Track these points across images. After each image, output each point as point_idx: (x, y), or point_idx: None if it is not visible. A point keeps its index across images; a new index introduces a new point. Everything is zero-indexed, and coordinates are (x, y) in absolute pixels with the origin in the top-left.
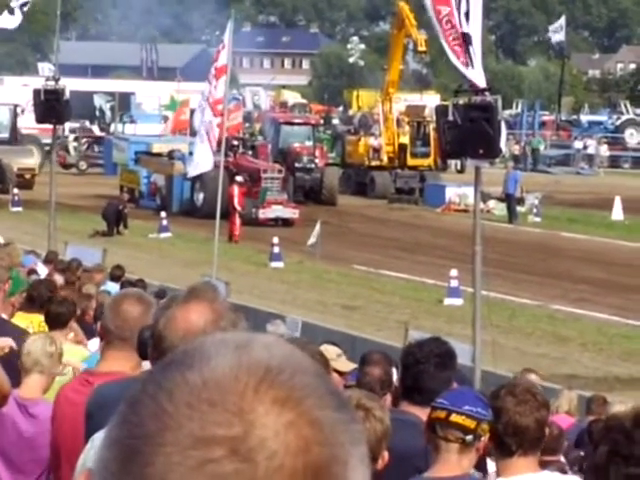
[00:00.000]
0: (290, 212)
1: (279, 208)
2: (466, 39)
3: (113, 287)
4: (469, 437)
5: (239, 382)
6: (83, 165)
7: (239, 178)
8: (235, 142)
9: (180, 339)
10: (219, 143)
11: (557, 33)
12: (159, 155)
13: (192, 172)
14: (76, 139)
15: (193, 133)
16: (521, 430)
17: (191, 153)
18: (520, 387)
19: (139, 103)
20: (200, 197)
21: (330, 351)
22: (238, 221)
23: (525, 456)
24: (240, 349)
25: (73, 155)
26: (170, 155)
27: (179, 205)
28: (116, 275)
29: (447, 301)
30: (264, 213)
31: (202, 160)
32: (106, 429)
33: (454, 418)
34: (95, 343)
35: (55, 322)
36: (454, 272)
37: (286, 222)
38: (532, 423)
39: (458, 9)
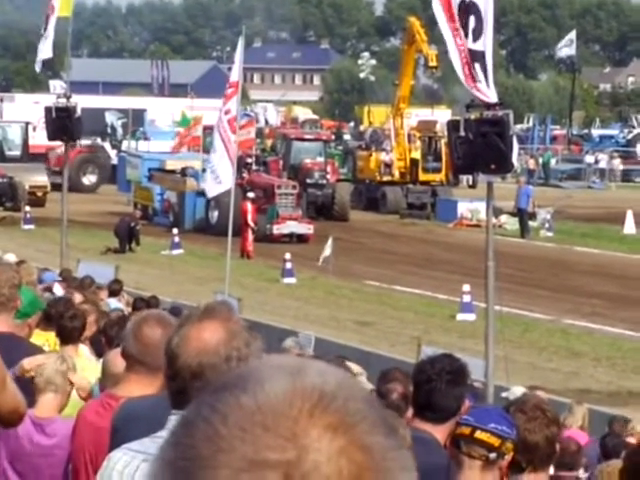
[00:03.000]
0: (305, 228)
1: (293, 224)
2: (472, 56)
3: (113, 302)
4: (493, 455)
5: (293, 407)
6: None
7: (251, 194)
8: (249, 159)
9: (193, 358)
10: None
11: (566, 48)
12: (172, 172)
13: (213, 191)
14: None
15: (206, 150)
16: (531, 447)
17: (204, 170)
18: (530, 404)
19: (152, 120)
20: (215, 215)
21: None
22: (251, 237)
23: (535, 472)
24: (294, 374)
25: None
26: (183, 172)
27: (192, 222)
28: (115, 290)
29: (460, 316)
30: (278, 229)
31: (224, 178)
32: (158, 450)
33: (479, 435)
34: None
35: (67, 337)
36: (467, 287)
37: (301, 238)
38: (542, 440)
39: (465, 27)
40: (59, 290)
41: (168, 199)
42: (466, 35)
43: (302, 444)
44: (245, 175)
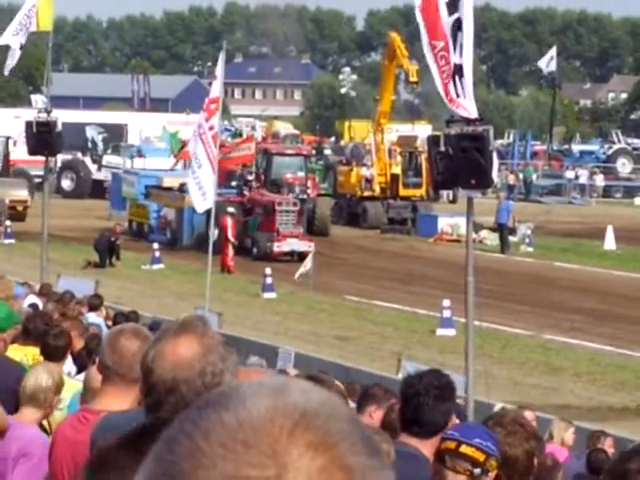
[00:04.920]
0: (306, 245)
1: (294, 241)
2: (458, 71)
3: (92, 317)
4: (477, 470)
5: (274, 425)
6: None
7: (231, 209)
8: (249, 177)
9: (168, 372)
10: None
11: (548, 65)
12: (169, 189)
13: (202, 207)
14: None
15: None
16: (510, 461)
17: (183, 185)
18: (508, 417)
19: (147, 137)
20: (215, 233)
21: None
22: (231, 252)
23: None
24: (277, 392)
25: None
26: (181, 188)
27: (190, 239)
28: (94, 304)
29: (440, 332)
30: (279, 247)
31: (208, 193)
32: (143, 465)
33: (464, 449)
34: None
35: (52, 355)
36: (447, 302)
37: (301, 256)
38: (521, 454)
39: (454, 43)
40: (37, 302)
41: (165, 216)
42: (454, 50)
43: (282, 462)
44: (246, 192)
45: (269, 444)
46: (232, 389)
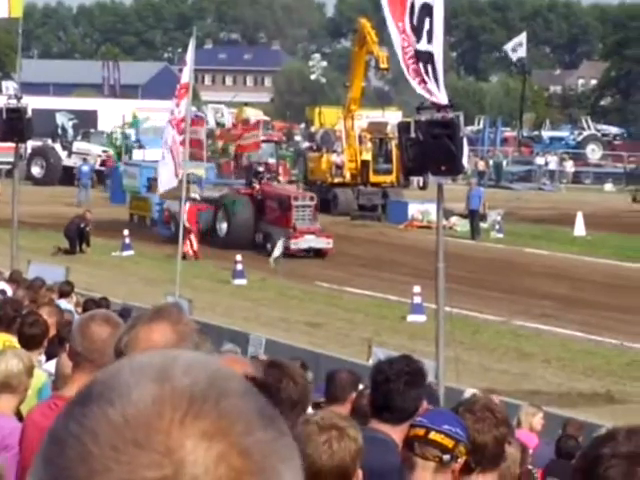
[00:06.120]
0: (324, 242)
1: (312, 238)
2: (423, 56)
3: (63, 304)
4: (446, 456)
5: (163, 418)
6: None
7: (193, 194)
8: (260, 168)
9: None
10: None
11: (516, 50)
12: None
13: (162, 188)
14: None
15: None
16: (480, 447)
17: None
18: (479, 404)
19: (147, 128)
20: (223, 227)
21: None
22: (193, 238)
23: (484, 473)
24: (160, 377)
25: None
26: (187, 180)
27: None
28: (65, 291)
29: (410, 318)
30: (296, 244)
31: (167, 177)
32: (33, 467)
33: (433, 436)
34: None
35: (29, 343)
36: (417, 289)
37: (319, 253)
38: (490, 440)
39: (415, 26)
40: (7, 289)
41: (167, 209)
42: (420, 37)
43: (178, 458)
44: (255, 185)
45: (161, 441)
46: (114, 376)
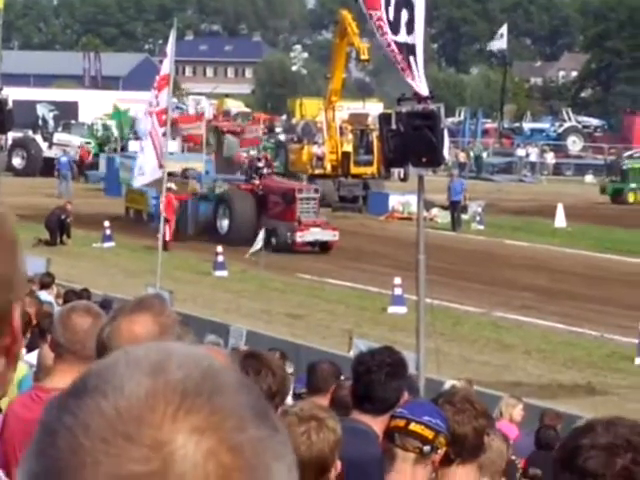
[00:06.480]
0: (330, 235)
1: (317, 231)
2: (403, 48)
3: (43, 295)
4: (427, 448)
5: (155, 412)
6: None
7: (170, 184)
8: (260, 164)
9: None
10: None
11: (497, 41)
12: (171, 174)
13: (139, 182)
14: None
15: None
16: (459, 439)
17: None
18: (458, 396)
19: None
20: (224, 224)
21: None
22: (167, 229)
23: (464, 465)
24: (154, 371)
25: None
26: (184, 174)
27: (194, 227)
28: (46, 282)
29: (391, 309)
30: (302, 237)
31: (147, 170)
32: (24, 458)
33: (413, 427)
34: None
35: None
36: (398, 280)
37: (324, 246)
38: (470, 432)
39: (391, 19)
40: None
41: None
42: (398, 29)
43: (167, 452)
44: (256, 180)
45: (151, 435)
46: (109, 369)
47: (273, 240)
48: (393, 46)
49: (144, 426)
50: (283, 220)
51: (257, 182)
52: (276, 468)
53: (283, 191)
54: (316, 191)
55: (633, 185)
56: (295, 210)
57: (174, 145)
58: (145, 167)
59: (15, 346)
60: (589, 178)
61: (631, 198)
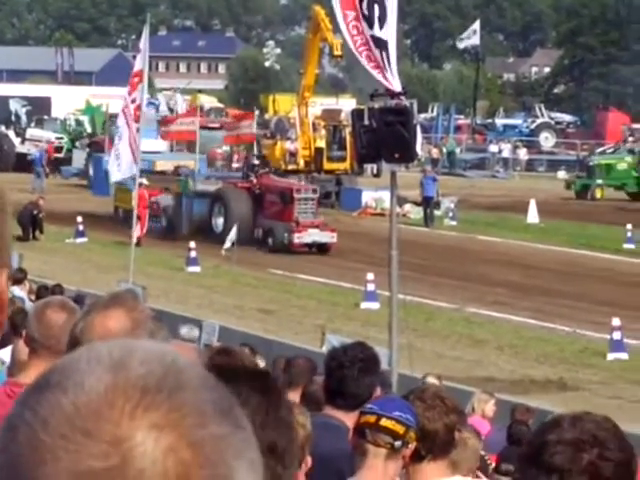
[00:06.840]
0: (328, 236)
1: (315, 232)
2: (377, 43)
3: (16, 291)
4: (398, 443)
5: (114, 408)
6: None
7: (142, 179)
8: (256, 161)
9: None
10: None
11: (468, 39)
12: (163, 173)
13: (114, 177)
14: None
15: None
16: (430, 435)
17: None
18: (429, 392)
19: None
20: (219, 222)
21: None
22: (141, 223)
23: (435, 461)
24: (116, 366)
25: None
26: (176, 172)
27: (188, 226)
28: (18, 278)
29: (364, 305)
30: (299, 238)
31: (124, 166)
32: None
33: (384, 422)
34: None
35: None
36: (370, 276)
37: (322, 247)
38: (441, 428)
39: (366, 14)
40: None
41: (157, 202)
42: (372, 24)
43: (126, 448)
44: (252, 178)
45: (110, 431)
46: (71, 364)
47: (270, 241)
48: (370, 42)
49: (103, 422)
50: (280, 220)
51: (254, 180)
52: (238, 466)
53: (281, 190)
54: (314, 191)
55: (599, 181)
56: (293, 210)
57: (163, 145)
58: (123, 163)
59: (2, 316)
60: (561, 174)
61: (598, 194)
